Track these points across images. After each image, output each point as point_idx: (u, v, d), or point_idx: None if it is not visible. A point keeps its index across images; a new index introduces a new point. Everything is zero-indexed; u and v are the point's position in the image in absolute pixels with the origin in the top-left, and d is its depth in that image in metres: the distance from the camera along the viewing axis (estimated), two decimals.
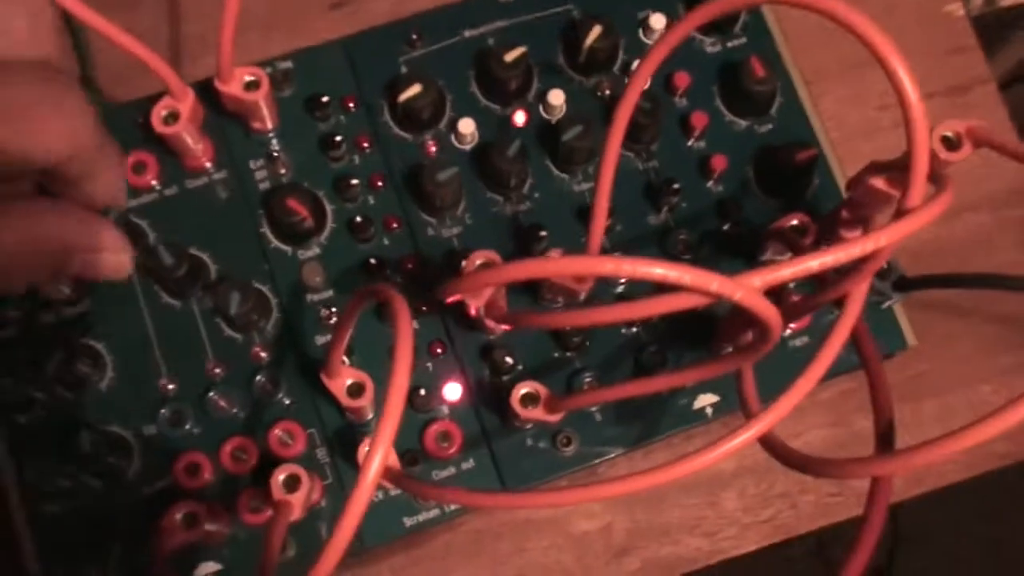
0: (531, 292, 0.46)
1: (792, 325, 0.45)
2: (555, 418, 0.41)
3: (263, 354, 0.45)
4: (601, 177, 0.38)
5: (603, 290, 0.46)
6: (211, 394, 0.44)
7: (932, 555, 1.26)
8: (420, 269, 0.46)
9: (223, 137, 0.47)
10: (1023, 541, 1.27)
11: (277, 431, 0.44)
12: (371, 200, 0.47)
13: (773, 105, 0.49)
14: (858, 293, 0.33)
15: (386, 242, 0.47)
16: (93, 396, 0.44)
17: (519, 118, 0.48)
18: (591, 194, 0.47)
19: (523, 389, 0.41)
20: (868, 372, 0.35)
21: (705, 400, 0.46)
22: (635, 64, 0.49)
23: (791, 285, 0.44)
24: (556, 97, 0.48)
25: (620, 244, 0.47)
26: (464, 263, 0.39)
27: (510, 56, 0.47)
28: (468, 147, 0.48)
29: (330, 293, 0.46)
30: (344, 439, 0.44)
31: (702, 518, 0.50)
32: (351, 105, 0.48)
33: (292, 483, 0.38)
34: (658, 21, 0.49)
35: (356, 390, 0.41)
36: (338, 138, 0.47)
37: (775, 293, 0.29)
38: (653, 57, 0.36)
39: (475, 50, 0.49)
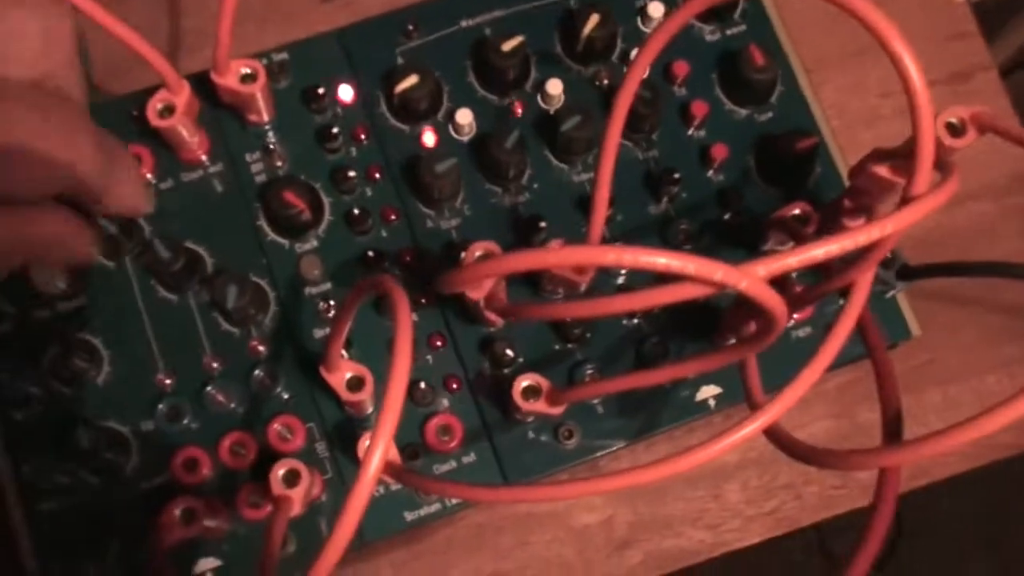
0: (531, 284, 0.45)
1: (795, 315, 0.45)
2: (557, 411, 0.41)
3: (261, 348, 0.45)
4: (601, 166, 0.38)
5: (603, 281, 0.46)
6: (209, 389, 0.44)
7: (934, 547, 1.26)
8: (418, 261, 0.46)
9: (219, 130, 0.47)
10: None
11: (276, 425, 0.43)
12: (368, 192, 0.47)
13: (773, 93, 0.48)
14: (864, 282, 0.33)
15: (384, 234, 0.46)
16: (90, 391, 0.44)
17: (517, 108, 0.48)
18: (590, 184, 0.47)
19: (525, 382, 0.41)
20: (874, 362, 0.35)
21: (708, 392, 0.45)
22: (634, 53, 0.48)
23: (794, 275, 0.44)
24: (554, 87, 0.47)
25: (620, 234, 0.47)
26: (464, 254, 0.38)
27: (508, 46, 0.46)
28: (466, 138, 0.47)
29: (328, 286, 0.45)
30: (344, 433, 0.44)
31: (705, 510, 0.50)
32: (348, 97, 0.47)
33: (292, 478, 0.38)
34: (656, 9, 0.48)
35: (356, 384, 0.40)
36: (335, 130, 0.46)
37: (778, 283, 0.29)
38: (652, 45, 0.35)
39: (472, 40, 0.48)
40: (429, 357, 0.45)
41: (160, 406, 0.43)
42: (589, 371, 0.45)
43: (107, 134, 0.39)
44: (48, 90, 0.37)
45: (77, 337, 0.44)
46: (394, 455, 0.36)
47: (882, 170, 0.37)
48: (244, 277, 0.43)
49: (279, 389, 0.44)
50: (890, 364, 0.34)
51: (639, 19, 0.49)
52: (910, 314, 0.47)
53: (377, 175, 0.47)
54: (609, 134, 0.37)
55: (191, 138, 0.45)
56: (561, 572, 0.49)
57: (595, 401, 0.45)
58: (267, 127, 0.47)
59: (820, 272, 0.40)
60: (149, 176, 0.46)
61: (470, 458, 0.45)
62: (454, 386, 0.45)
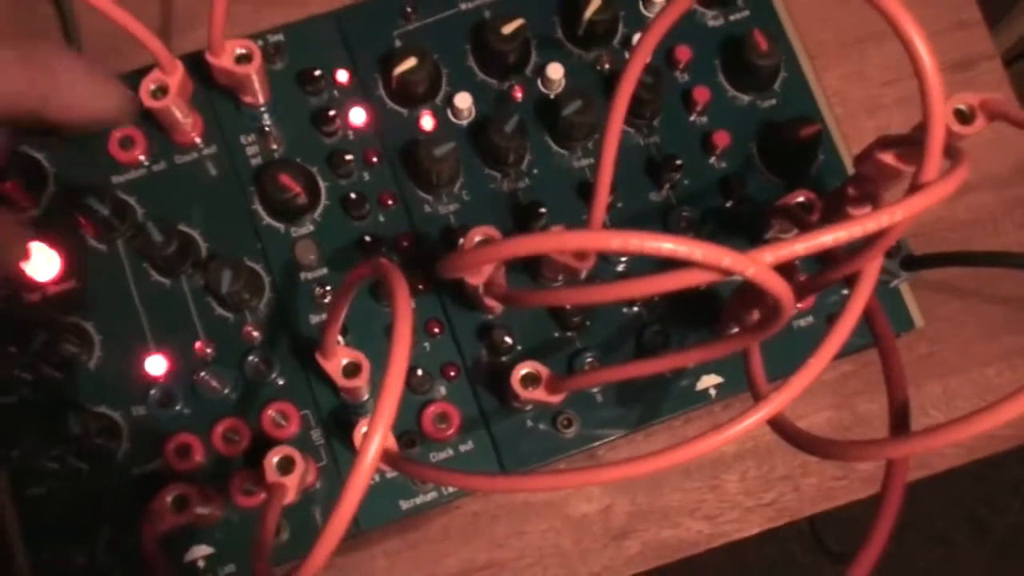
0: (530, 271, 0.45)
1: (798, 305, 0.45)
2: (556, 399, 0.40)
3: (255, 333, 0.44)
4: (604, 152, 0.37)
5: (603, 269, 0.45)
6: (202, 374, 0.43)
7: (925, 538, 1.26)
8: (416, 247, 0.45)
9: (213, 111, 0.46)
10: (1018, 525, 1.27)
11: (270, 412, 0.43)
12: (366, 176, 0.46)
13: (776, 80, 0.48)
14: (871, 270, 0.32)
15: (381, 219, 0.46)
16: (81, 376, 0.43)
17: (517, 92, 0.47)
18: (591, 170, 0.46)
19: (524, 369, 0.40)
20: (882, 351, 0.34)
21: (708, 381, 0.45)
22: (636, 37, 0.48)
23: (798, 263, 0.43)
24: (555, 71, 0.47)
25: (621, 221, 0.46)
26: (463, 239, 0.38)
27: (508, 28, 0.45)
28: (465, 122, 0.47)
29: (324, 271, 0.45)
30: (339, 420, 0.44)
31: (703, 501, 0.50)
32: (344, 79, 0.47)
33: (286, 465, 0.38)
34: None
35: (352, 370, 0.40)
36: (331, 112, 0.45)
37: (784, 271, 0.28)
38: (655, 30, 0.35)
39: (471, 22, 0.48)
40: (426, 344, 0.45)
41: (152, 391, 0.43)
42: (589, 359, 0.44)
43: (38, 43, 0.38)
44: None
45: (68, 321, 0.43)
46: (391, 443, 0.35)
47: (888, 157, 0.36)
48: (239, 261, 0.43)
49: (274, 375, 0.44)
50: (897, 354, 0.34)
51: (641, 3, 0.49)
52: (913, 305, 0.46)
53: (375, 159, 0.46)
54: (611, 119, 0.37)
55: (185, 119, 0.44)
56: (558, 562, 0.49)
57: (594, 390, 0.45)
58: (262, 109, 0.46)
59: (822, 262, 0.40)
60: (142, 158, 0.45)
61: (467, 446, 0.44)
62: (452, 373, 0.44)
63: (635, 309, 0.45)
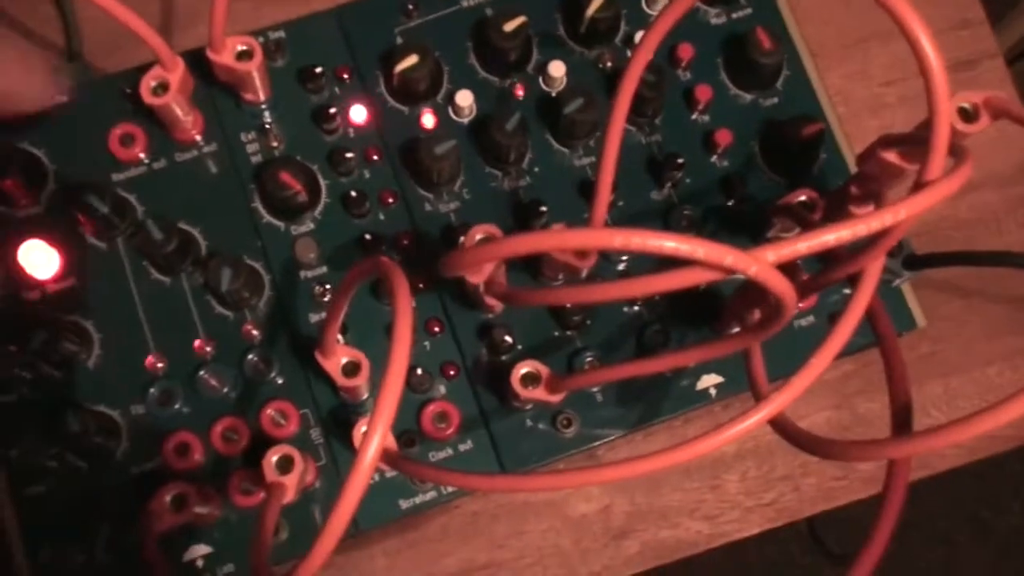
0: (530, 270, 0.44)
1: (799, 304, 0.44)
2: (556, 398, 0.40)
3: (255, 332, 0.44)
4: (606, 150, 0.37)
5: (604, 268, 0.45)
6: (201, 373, 0.43)
7: (926, 538, 1.26)
8: (416, 245, 0.45)
9: (214, 109, 0.46)
10: (1020, 526, 1.27)
11: (270, 411, 0.43)
12: (366, 174, 0.46)
13: (779, 78, 0.48)
14: (874, 269, 0.32)
15: (382, 217, 0.45)
16: (80, 375, 0.43)
17: (518, 90, 0.47)
18: (592, 169, 0.46)
19: (524, 368, 0.40)
20: (884, 351, 0.34)
21: (709, 381, 0.45)
22: (638, 35, 0.47)
23: (800, 263, 0.43)
24: (557, 69, 0.46)
25: (622, 220, 0.46)
26: (464, 237, 0.38)
27: (510, 26, 0.45)
28: (466, 120, 0.47)
29: (324, 270, 0.45)
30: (339, 419, 0.43)
31: (703, 501, 0.49)
32: (345, 76, 0.46)
33: (285, 464, 0.37)
34: None
35: (351, 369, 0.40)
36: (332, 110, 0.45)
37: (786, 270, 0.28)
38: (659, 27, 0.34)
39: (473, 20, 0.47)
40: (426, 343, 0.44)
41: (151, 390, 0.43)
42: (589, 359, 0.44)
43: None
44: None
45: (67, 319, 0.43)
46: (390, 442, 0.35)
47: (892, 156, 0.36)
48: (238, 259, 0.43)
49: (273, 374, 0.44)
50: (899, 353, 0.34)
51: (643, 1, 0.48)
52: (915, 304, 0.46)
53: (375, 157, 0.46)
54: (613, 118, 0.36)
55: (185, 117, 0.44)
56: (557, 562, 0.49)
57: (594, 389, 0.44)
58: (263, 106, 0.46)
59: (824, 261, 0.39)
60: (142, 155, 0.45)
61: (467, 446, 0.44)
62: (451, 372, 0.44)
63: (636, 308, 0.45)
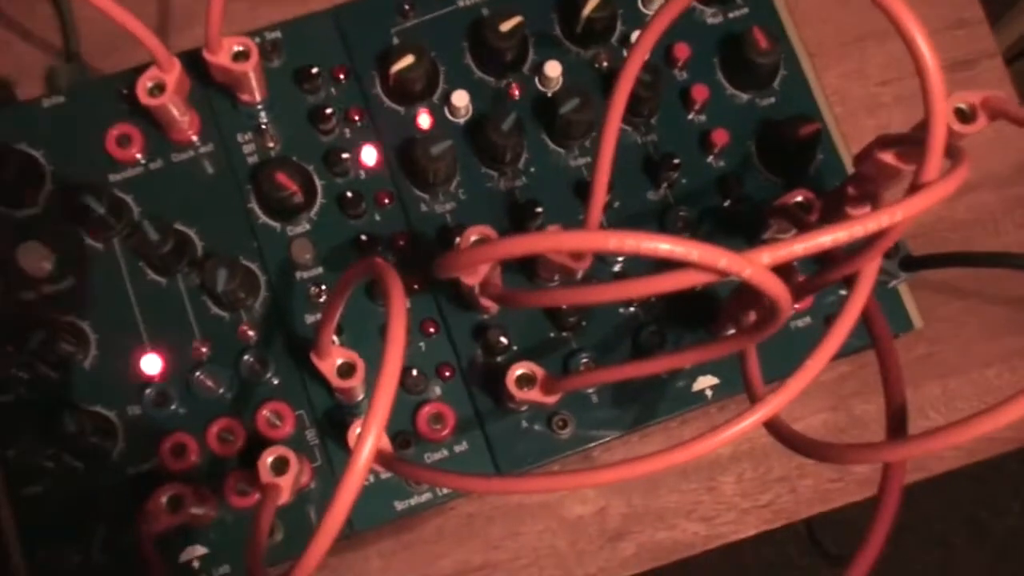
0: (526, 271, 0.44)
1: (795, 306, 0.44)
2: (551, 400, 0.40)
3: (251, 333, 0.44)
4: (601, 151, 0.37)
5: (600, 269, 0.45)
6: (197, 374, 0.43)
7: (924, 541, 1.26)
8: (412, 246, 0.45)
9: (210, 109, 0.46)
10: (1019, 526, 1.27)
11: (265, 412, 0.42)
12: (362, 175, 0.46)
13: (776, 78, 0.48)
14: (870, 270, 0.32)
15: (377, 218, 0.45)
16: (76, 375, 0.43)
17: (514, 91, 0.47)
18: (588, 169, 0.46)
19: (519, 370, 0.40)
20: (879, 353, 0.34)
21: (704, 382, 0.45)
22: (635, 35, 0.47)
23: (796, 264, 0.43)
24: (553, 69, 0.46)
25: (618, 221, 0.46)
26: (459, 239, 0.38)
27: (506, 26, 0.45)
28: (462, 120, 0.47)
29: (320, 270, 0.45)
30: (334, 420, 0.43)
31: (699, 503, 0.49)
32: (342, 76, 0.46)
33: (280, 465, 0.37)
34: None
35: (346, 370, 0.40)
36: (328, 110, 0.45)
37: (782, 271, 0.28)
38: (655, 27, 0.34)
39: (469, 20, 0.47)
40: (422, 344, 0.44)
41: (148, 391, 0.43)
42: (584, 360, 0.44)
43: None
44: None
45: (64, 320, 0.43)
46: (385, 443, 0.35)
47: (888, 157, 0.36)
48: (234, 260, 0.43)
49: (269, 375, 0.43)
50: (895, 356, 0.33)
51: (639, 1, 0.48)
52: (912, 305, 0.46)
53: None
54: (609, 118, 0.36)
55: (182, 117, 0.44)
56: (553, 563, 0.49)
57: (590, 390, 0.44)
58: (259, 107, 0.46)
59: (820, 263, 0.39)
60: (139, 156, 0.45)
61: (462, 447, 0.44)
62: (447, 374, 0.44)
63: (631, 309, 0.45)
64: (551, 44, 0.48)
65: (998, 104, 0.34)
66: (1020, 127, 0.33)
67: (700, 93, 0.46)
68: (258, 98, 0.46)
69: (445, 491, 0.43)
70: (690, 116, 0.47)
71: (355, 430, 0.38)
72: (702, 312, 0.45)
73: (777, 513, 0.49)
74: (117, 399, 0.43)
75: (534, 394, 0.40)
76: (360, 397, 0.43)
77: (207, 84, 0.45)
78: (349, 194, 0.45)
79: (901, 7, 0.28)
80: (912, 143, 0.35)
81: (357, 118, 0.46)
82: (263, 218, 0.45)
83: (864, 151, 0.37)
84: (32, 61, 0.53)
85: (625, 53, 0.47)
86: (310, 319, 0.44)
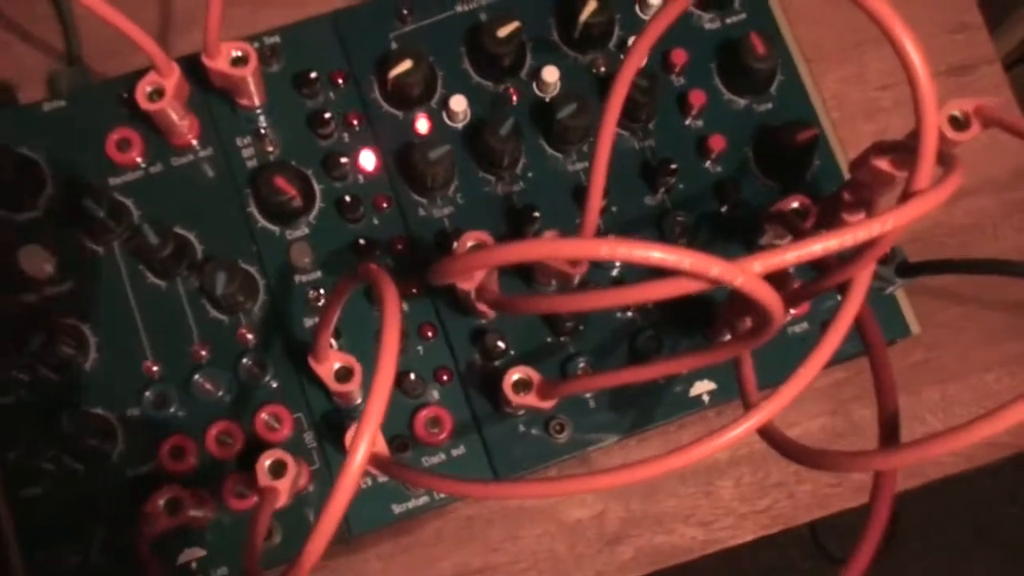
0: (523, 275, 0.44)
1: (792, 311, 0.44)
2: (548, 404, 0.40)
3: (249, 336, 0.44)
4: (597, 156, 0.37)
5: (597, 273, 0.45)
6: (196, 376, 0.43)
7: (929, 548, 1.25)
8: (410, 250, 0.45)
9: (209, 114, 0.46)
10: (1017, 532, 1.27)
11: (263, 415, 0.43)
12: (361, 179, 0.46)
13: (773, 83, 0.48)
14: (862, 278, 0.32)
15: (376, 222, 0.46)
16: (76, 377, 0.43)
17: (512, 96, 0.47)
18: (585, 174, 0.46)
19: (515, 375, 0.40)
20: (872, 360, 0.34)
21: (702, 387, 0.45)
22: (631, 40, 0.47)
23: (791, 270, 0.43)
24: (550, 74, 0.46)
25: (615, 226, 0.46)
26: (455, 244, 0.38)
27: (503, 31, 0.45)
28: (460, 125, 0.47)
29: (318, 274, 0.45)
30: (332, 423, 0.44)
31: (697, 507, 0.49)
32: (340, 81, 0.47)
33: (278, 469, 0.38)
34: None
35: (344, 374, 0.40)
36: (327, 115, 0.45)
37: (776, 278, 0.28)
38: (651, 32, 0.35)
39: (467, 25, 0.48)
40: (420, 348, 0.44)
41: (147, 393, 0.43)
42: (581, 365, 0.44)
43: None
44: None
45: (64, 322, 0.43)
46: (382, 447, 0.35)
47: (883, 163, 0.36)
48: (233, 264, 0.43)
49: (267, 378, 0.44)
50: (888, 363, 0.33)
51: (637, 6, 0.48)
52: (909, 311, 0.46)
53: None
54: (605, 122, 0.37)
55: (181, 122, 0.44)
56: (552, 566, 0.49)
57: (587, 395, 0.44)
58: (258, 111, 0.46)
59: (818, 267, 0.39)
60: (139, 160, 0.45)
61: (459, 451, 0.44)
62: (444, 378, 0.44)
63: (628, 314, 0.45)
64: (548, 49, 0.48)
65: (991, 112, 0.34)
66: (1013, 135, 0.33)
67: (697, 98, 0.46)
68: (257, 103, 0.46)
69: (443, 494, 0.44)
70: (687, 121, 0.47)
71: (351, 433, 0.38)
72: (699, 317, 0.45)
73: (775, 518, 0.49)
74: (117, 401, 0.43)
75: (531, 399, 0.40)
76: (358, 401, 0.43)
77: (206, 89, 0.45)
78: (347, 198, 0.45)
79: (891, 15, 0.28)
80: (906, 150, 0.35)
81: (355, 122, 0.46)
82: (262, 222, 0.45)
83: (860, 158, 0.37)
84: (33, 64, 0.53)
85: (622, 58, 0.47)
86: (309, 323, 0.44)
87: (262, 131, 0.46)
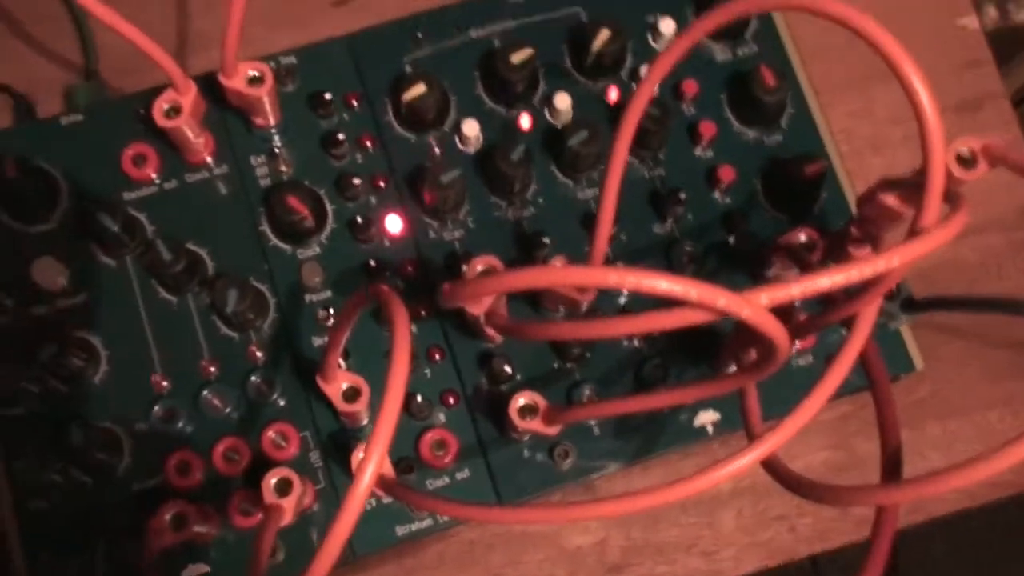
0: (531, 300, 0.45)
1: (797, 344, 0.45)
2: (553, 431, 0.41)
3: (259, 354, 0.44)
4: (607, 184, 0.37)
5: (605, 300, 0.45)
6: (205, 392, 0.43)
7: None
8: (420, 272, 0.46)
9: (225, 132, 0.46)
10: (1019, 571, 1.26)
11: (270, 433, 0.43)
12: (373, 200, 0.46)
13: (783, 115, 0.48)
14: (868, 314, 0.32)
15: (387, 244, 0.46)
16: (86, 390, 0.43)
17: (524, 121, 0.47)
18: (595, 201, 0.47)
19: (521, 400, 0.40)
20: (876, 396, 0.34)
21: (706, 418, 0.45)
22: (643, 69, 0.48)
23: (797, 303, 0.44)
24: (562, 101, 0.47)
25: (623, 254, 0.46)
26: (465, 268, 0.38)
27: (517, 57, 0.46)
28: (472, 149, 0.47)
29: (328, 294, 0.45)
30: (338, 443, 0.44)
31: (699, 537, 0.49)
32: (354, 103, 0.47)
33: (284, 487, 0.38)
34: (667, 26, 0.48)
35: (352, 394, 0.40)
36: (341, 136, 0.46)
37: (782, 311, 0.28)
38: (663, 63, 0.35)
39: (481, 50, 0.48)
40: (427, 370, 0.45)
41: (155, 407, 0.43)
42: (587, 392, 0.44)
43: None
44: None
45: (76, 335, 0.44)
46: (387, 468, 0.36)
47: (890, 199, 0.36)
48: (245, 281, 0.43)
49: (275, 396, 0.44)
50: (892, 399, 0.34)
51: (649, 35, 0.49)
52: (914, 347, 0.46)
53: (382, 183, 0.46)
54: (616, 151, 0.37)
55: (196, 139, 0.45)
56: None
57: (592, 422, 0.45)
58: (273, 131, 0.47)
59: (824, 301, 0.40)
60: (154, 175, 0.45)
61: (464, 474, 0.44)
62: (451, 401, 0.44)
63: (635, 343, 0.45)
64: (561, 76, 0.48)
65: (998, 152, 0.34)
66: (1020, 175, 0.33)
67: (708, 129, 0.47)
68: (272, 122, 0.46)
69: (446, 517, 0.44)
70: (697, 151, 0.48)
71: (358, 454, 0.39)
72: (705, 347, 0.45)
73: (777, 551, 0.49)
74: (125, 415, 0.43)
75: (536, 424, 0.40)
76: (364, 421, 0.43)
77: (223, 107, 0.46)
78: (359, 219, 0.45)
79: (900, 53, 0.29)
80: (913, 187, 0.35)
81: (368, 144, 0.47)
82: (274, 240, 0.46)
83: (867, 193, 0.38)
84: (51, 79, 0.54)
85: (634, 87, 0.48)
86: (318, 342, 0.45)
87: (276, 150, 0.46)
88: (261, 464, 0.42)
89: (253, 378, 0.44)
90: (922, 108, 0.30)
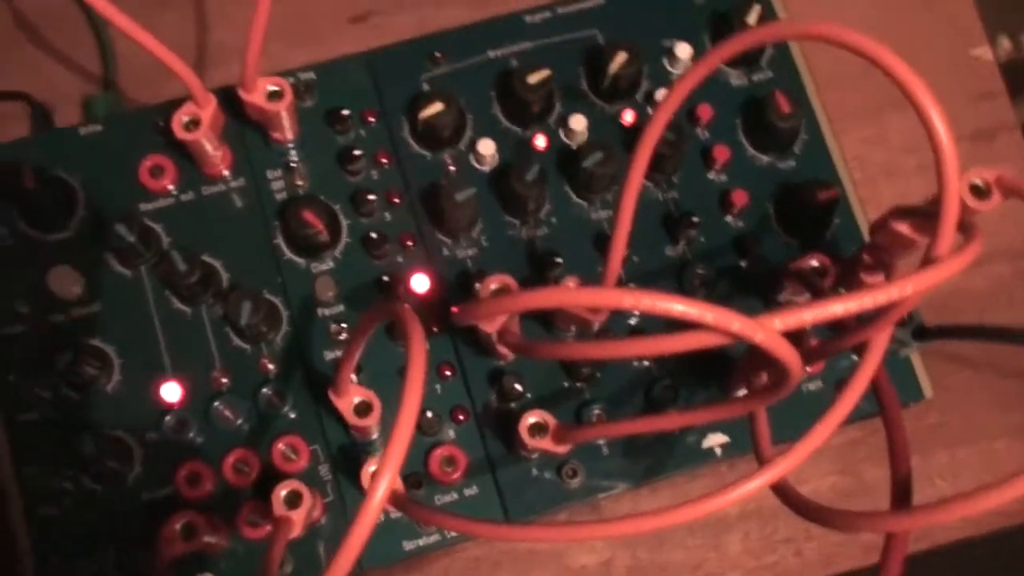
0: (542, 319, 0.45)
1: (807, 369, 0.45)
2: (563, 449, 0.41)
3: (271, 366, 0.45)
4: (622, 206, 0.38)
5: (616, 321, 0.46)
6: (216, 403, 0.44)
7: None
8: (433, 289, 0.46)
9: (242, 145, 0.47)
10: None
11: (281, 445, 0.43)
12: (387, 216, 0.47)
13: (796, 141, 0.48)
14: (880, 340, 0.33)
15: (400, 260, 0.46)
16: (98, 398, 0.44)
17: (539, 142, 0.48)
18: (609, 222, 0.47)
19: (532, 418, 0.41)
20: (887, 422, 0.34)
21: (715, 440, 0.45)
22: (659, 93, 0.48)
23: (809, 328, 0.44)
24: (578, 122, 0.47)
25: (636, 275, 0.47)
26: (479, 287, 0.38)
27: (534, 78, 0.46)
28: (487, 168, 0.47)
29: (341, 308, 0.45)
30: (348, 457, 0.44)
31: (705, 560, 0.49)
32: (372, 119, 0.48)
33: (293, 499, 0.38)
34: (683, 50, 0.48)
35: (363, 409, 0.40)
36: (357, 152, 0.46)
37: (794, 336, 0.29)
38: (680, 89, 0.35)
39: (498, 70, 0.49)
40: (437, 386, 0.45)
41: (167, 418, 0.43)
42: (596, 412, 0.44)
43: None
44: None
45: (89, 343, 0.44)
46: (397, 484, 0.36)
47: (903, 227, 0.36)
48: (258, 294, 0.43)
49: (286, 408, 0.44)
50: (903, 426, 0.34)
51: (665, 59, 0.49)
52: (923, 375, 0.47)
53: (397, 200, 0.47)
54: (631, 175, 0.37)
55: (214, 152, 0.45)
56: None
57: (601, 442, 0.45)
58: (290, 145, 0.47)
59: (835, 327, 0.40)
60: (171, 187, 0.46)
61: (472, 491, 0.44)
62: (461, 417, 0.45)
63: (645, 363, 0.46)
64: (577, 97, 0.49)
65: (1012, 183, 0.35)
66: None
67: (721, 153, 0.47)
68: (290, 137, 0.47)
69: (454, 533, 0.44)
70: (711, 175, 0.48)
71: (369, 469, 0.39)
72: (716, 369, 0.45)
73: (782, 575, 0.49)
74: (136, 424, 0.44)
75: (546, 443, 0.40)
76: (375, 435, 0.43)
77: (241, 121, 0.46)
78: (373, 235, 0.46)
79: (915, 81, 0.29)
80: (927, 215, 0.35)
81: (385, 161, 0.47)
82: (288, 254, 0.46)
83: (880, 221, 0.38)
84: (70, 88, 0.54)
85: (650, 110, 0.48)
86: (329, 356, 0.45)
87: (293, 165, 0.47)
88: (271, 476, 0.42)
89: (264, 390, 0.44)
90: (938, 137, 0.30)
